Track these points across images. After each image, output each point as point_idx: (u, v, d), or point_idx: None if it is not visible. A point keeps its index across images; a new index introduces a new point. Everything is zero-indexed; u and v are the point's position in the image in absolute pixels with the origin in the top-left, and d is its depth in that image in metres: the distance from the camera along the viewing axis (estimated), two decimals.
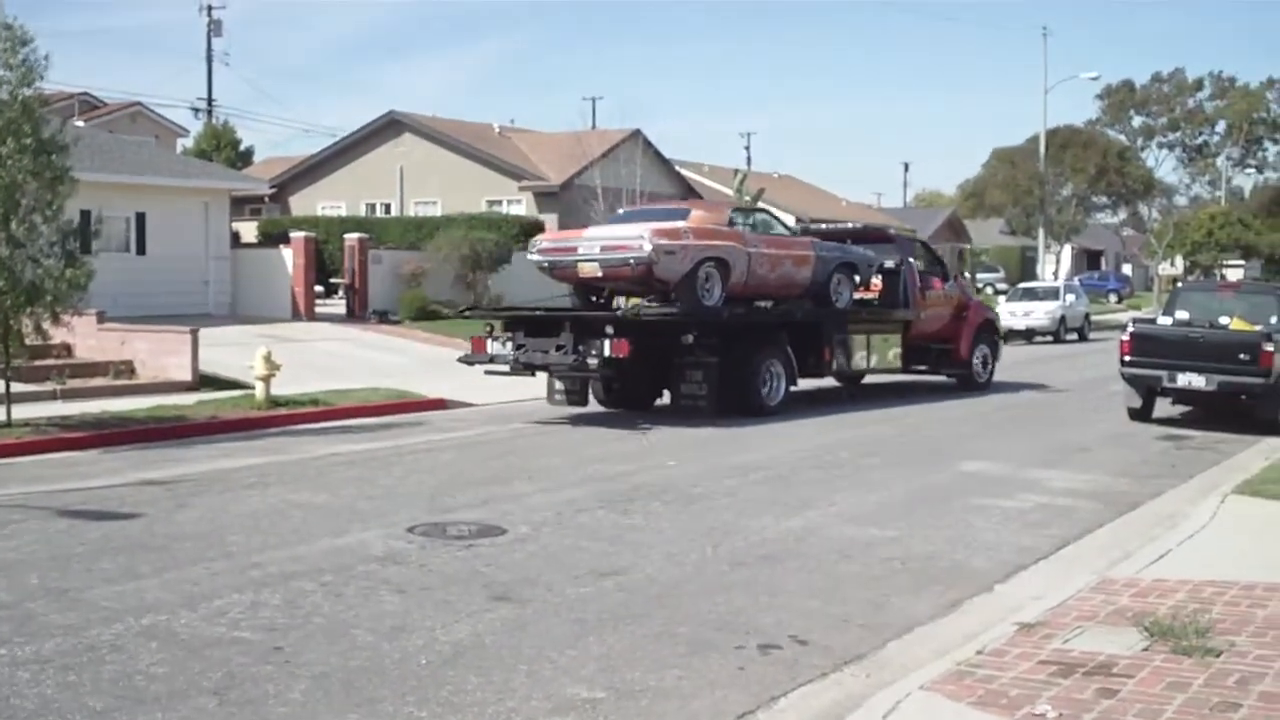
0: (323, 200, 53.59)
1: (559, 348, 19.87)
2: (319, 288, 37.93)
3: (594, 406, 21.62)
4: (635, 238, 20.04)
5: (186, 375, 23.02)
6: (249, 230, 47.44)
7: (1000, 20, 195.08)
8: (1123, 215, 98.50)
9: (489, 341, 20.93)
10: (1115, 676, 7.08)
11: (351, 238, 37.16)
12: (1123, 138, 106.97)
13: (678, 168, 57.72)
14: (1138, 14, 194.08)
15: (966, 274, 29.49)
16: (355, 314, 36.19)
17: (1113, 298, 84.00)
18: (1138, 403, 20.65)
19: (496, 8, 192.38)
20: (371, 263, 36.91)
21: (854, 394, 25.30)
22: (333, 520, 11.91)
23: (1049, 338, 44.03)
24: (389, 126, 53.36)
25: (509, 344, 20.58)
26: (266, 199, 53.76)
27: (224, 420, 19.02)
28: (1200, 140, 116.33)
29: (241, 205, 50.52)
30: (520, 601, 9.06)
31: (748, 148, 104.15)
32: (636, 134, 48.40)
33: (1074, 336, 45.53)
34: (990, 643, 7.80)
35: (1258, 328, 20.17)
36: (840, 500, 13.33)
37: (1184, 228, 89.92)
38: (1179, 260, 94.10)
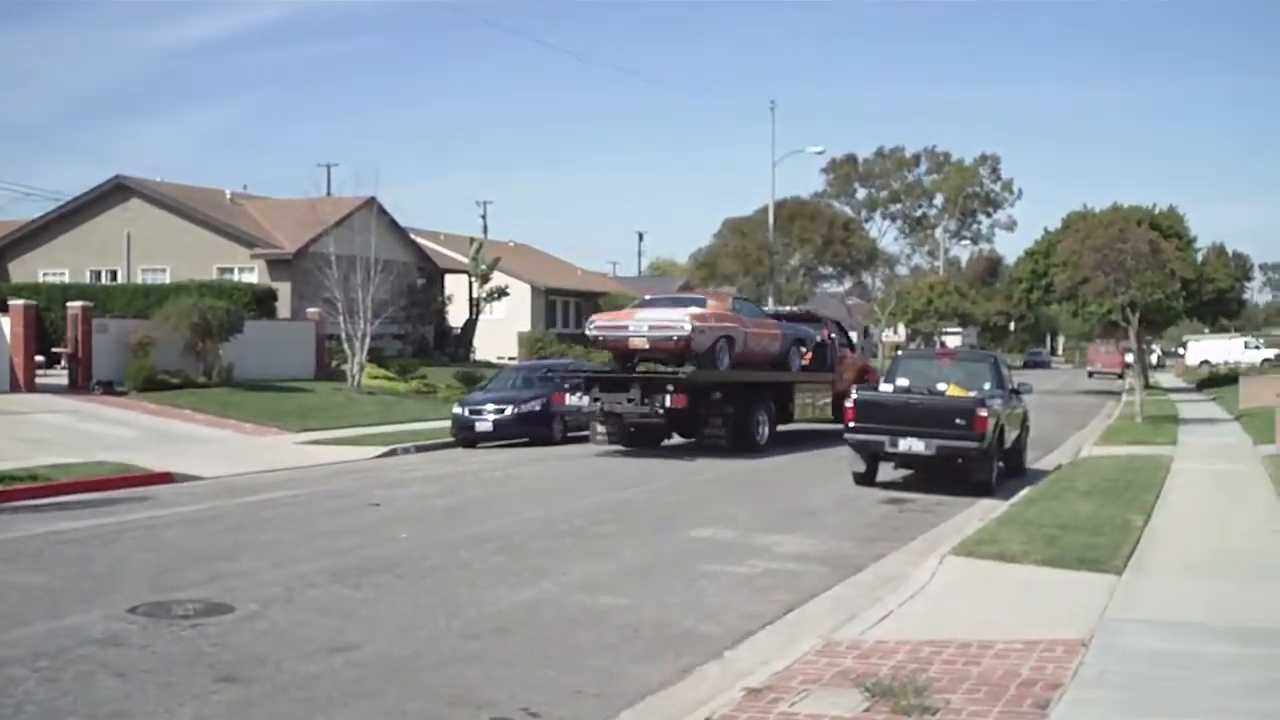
0: (45, 267, 51.63)
1: (630, 400, 26.37)
2: (40, 358, 36.51)
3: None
4: (678, 320, 26.47)
5: None
6: None
7: (732, 94, 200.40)
8: (849, 284, 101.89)
9: (567, 395, 27.42)
10: None
11: (74, 306, 35.92)
12: (848, 210, 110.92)
13: (413, 235, 57.50)
14: (862, 91, 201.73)
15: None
16: (79, 385, 34.93)
17: None
18: (862, 467, 21.27)
19: (227, 71, 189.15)
20: (96, 331, 35.70)
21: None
22: (50, 602, 11.45)
23: None
24: (116, 191, 51.76)
25: (586, 397, 26.90)
26: None
27: None
28: (920, 212, 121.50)
29: None
30: (247, 681, 8.86)
31: (484, 216, 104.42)
32: (371, 201, 47.98)
33: None
34: (719, 709, 7.94)
35: (972, 394, 21.03)
36: (574, 569, 13.40)
37: (905, 296, 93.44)
38: (901, 328, 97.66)
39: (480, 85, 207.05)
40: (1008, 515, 16.45)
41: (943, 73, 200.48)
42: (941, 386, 21.72)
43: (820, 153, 76.32)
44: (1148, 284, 36.66)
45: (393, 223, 51.98)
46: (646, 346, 27.04)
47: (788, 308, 38.65)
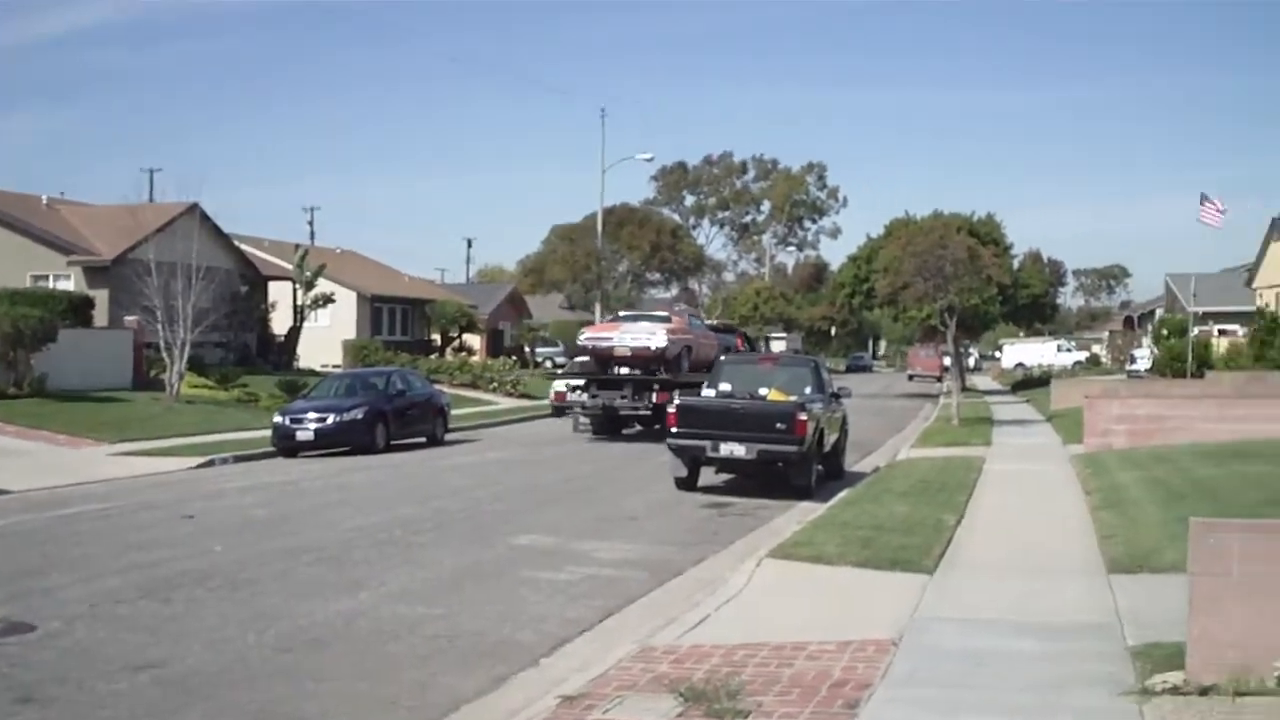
0: None
1: (623, 396, 32.40)
2: None
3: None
4: (654, 333, 32.73)
5: None
6: None
7: (563, 101, 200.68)
8: (676, 290, 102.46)
9: (569, 394, 35.19)
10: None
11: None
12: (677, 216, 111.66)
13: (237, 242, 56.40)
14: (691, 98, 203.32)
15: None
16: None
17: None
18: (684, 472, 21.33)
19: (46, 74, 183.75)
20: None
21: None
22: None
23: None
24: None
25: (584, 394, 33.23)
26: None
27: None
28: (748, 219, 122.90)
29: None
30: (46, 702, 8.60)
31: (311, 223, 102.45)
32: (194, 208, 46.98)
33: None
34: (532, 718, 7.91)
35: (793, 398, 21.26)
36: (391, 579, 13.27)
37: (732, 302, 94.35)
38: None
39: (308, 91, 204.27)
40: (825, 518, 16.64)
41: (773, 82, 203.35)
42: (763, 391, 21.91)
43: (650, 160, 76.90)
44: (965, 289, 37.45)
45: (215, 229, 51.00)
46: (629, 354, 32.85)
47: (712, 321, 48.29)
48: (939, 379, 79.24)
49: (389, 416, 31.14)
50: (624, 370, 33.35)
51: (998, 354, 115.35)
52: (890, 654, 9.40)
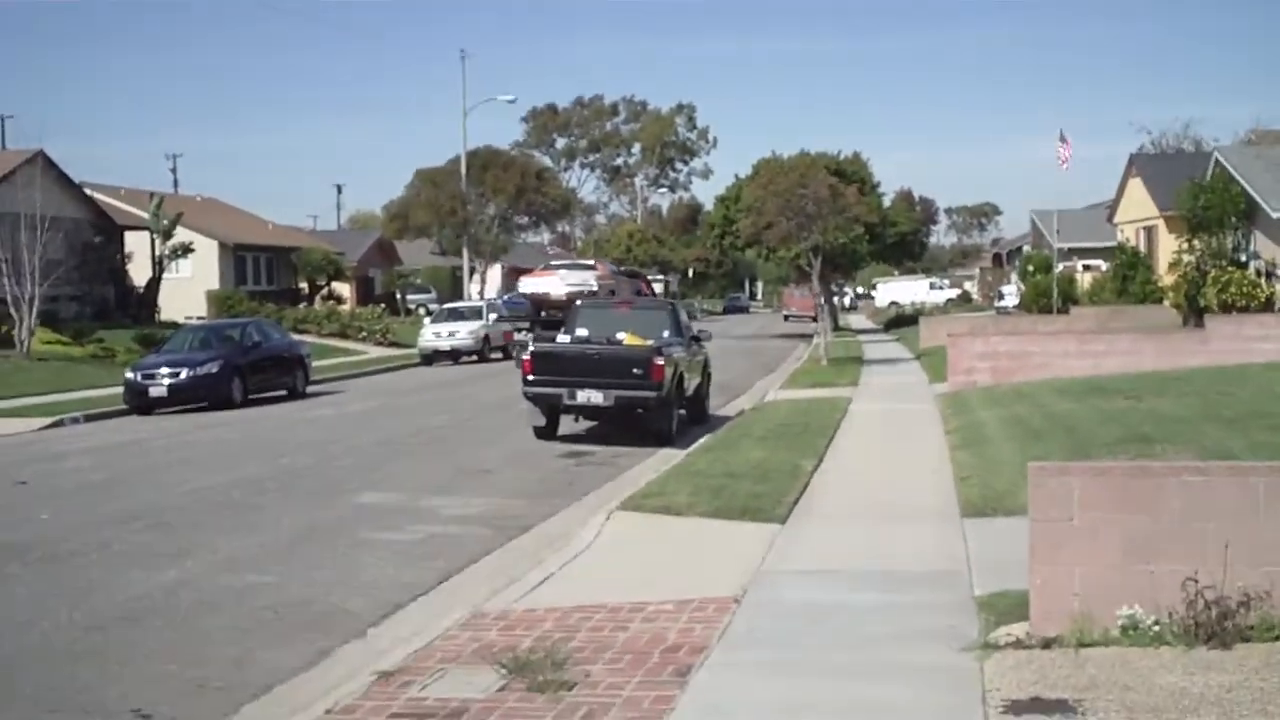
0: None
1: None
2: None
3: None
4: (587, 280, 40.79)
5: None
6: None
7: (424, 42, 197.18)
8: (548, 234, 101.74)
9: (516, 333, 40.70)
10: None
11: None
12: (547, 159, 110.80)
13: (89, 190, 54.59)
14: (560, 40, 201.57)
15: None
16: None
17: None
18: (541, 421, 20.76)
19: None
20: None
21: None
22: None
23: (474, 357, 44.29)
24: None
25: (530, 335, 36.05)
26: None
27: None
28: (619, 161, 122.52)
29: None
30: None
31: (174, 170, 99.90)
32: (38, 156, 45.38)
33: (499, 355, 45.75)
34: (344, 698, 7.41)
35: (650, 342, 20.82)
36: (224, 545, 12.66)
37: (605, 245, 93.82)
38: None
39: (170, 37, 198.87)
40: (681, 465, 16.24)
41: (641, 27, 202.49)
42: (620, 336, 21.44)
43: (512, 101, 75.88)
44: (830, 228, 37.18)
45: (63, 177, 49.30)
46: (565, 298, 38.81)
47: (623, 268, 55.72)
48: (814, 319, 79.27)
49: (246, 369, 30.25)
50: (558, 313, 37.45)
51: (873, 292, 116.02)
52: (731, 612, 9.06)
